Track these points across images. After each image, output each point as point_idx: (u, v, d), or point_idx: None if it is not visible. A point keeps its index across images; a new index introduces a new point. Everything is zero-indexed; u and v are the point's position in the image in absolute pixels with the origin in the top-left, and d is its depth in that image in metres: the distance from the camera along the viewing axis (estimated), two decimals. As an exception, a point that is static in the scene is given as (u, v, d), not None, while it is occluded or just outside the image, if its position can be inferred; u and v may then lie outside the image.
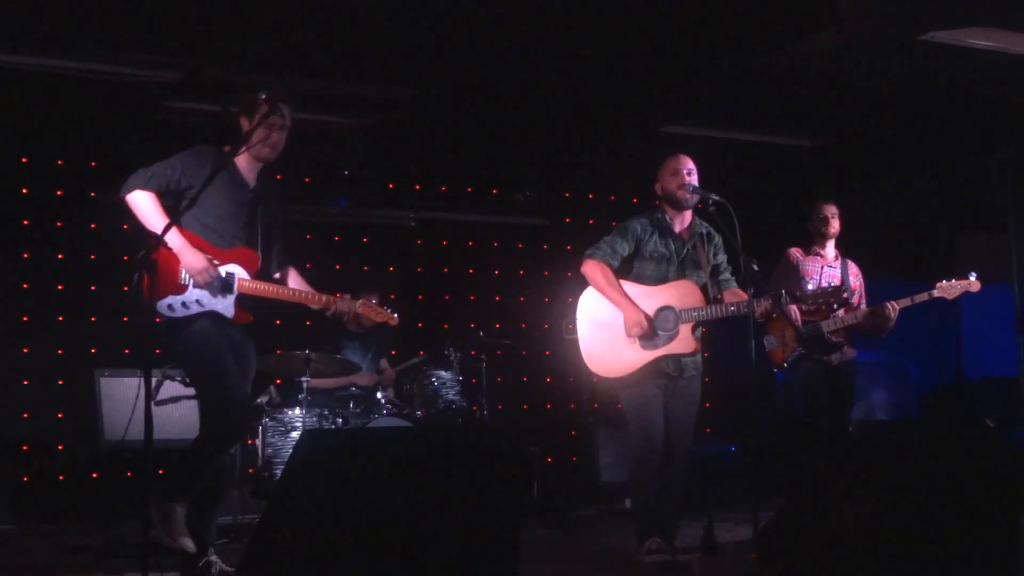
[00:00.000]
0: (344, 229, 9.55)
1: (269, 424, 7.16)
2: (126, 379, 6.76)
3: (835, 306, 6.84)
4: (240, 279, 5.15)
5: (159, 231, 4.93)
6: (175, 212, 5.06)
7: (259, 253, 5.26)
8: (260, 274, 5.24)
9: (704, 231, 6.14)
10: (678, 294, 5.95)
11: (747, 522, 5.95)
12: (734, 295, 6.02)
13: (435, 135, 9.03)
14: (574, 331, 6.13)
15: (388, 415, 7.28)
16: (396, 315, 5.61)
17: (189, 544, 5.02)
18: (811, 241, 7.20)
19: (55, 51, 7.00)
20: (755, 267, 5.73)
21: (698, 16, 6.69)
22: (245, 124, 5.21)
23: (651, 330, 5.90)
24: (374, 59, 7.29)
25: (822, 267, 7.12)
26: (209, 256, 5.08)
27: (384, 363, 8.02)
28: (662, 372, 5.96)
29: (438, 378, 7.69)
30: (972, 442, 4.45)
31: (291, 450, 6.91)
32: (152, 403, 4.81)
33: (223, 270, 5.11)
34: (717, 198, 5.84)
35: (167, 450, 6.52)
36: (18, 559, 6.62)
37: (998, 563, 4.12)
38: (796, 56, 7.24)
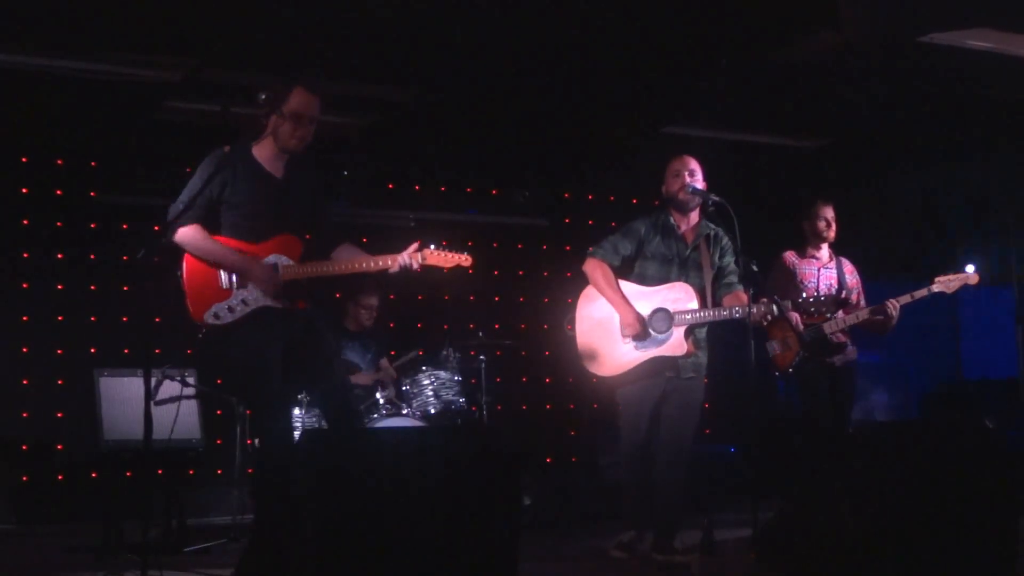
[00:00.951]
0: (343, 229, 9.54)
1: (268, 424, 7.15)
2: (125, 379, 6.75)
3: (836, 309, 6.86)
4: (284, 266, 5.08)
5: (218, 259, 4.97)
6: (214, 224, 5.04)
7: (299, 238, 5.18)
8: (304, 258, 5.17)
9: (711, 232, 6.14)
10: (673, 296, 5.97)
11: (746, 523, 5.96)
12: (735, 299, 5.99)
13: (435, 135, 9.03)
14: (573, 326, 6.15)
15: (387, 415, 7.27)
16: (468, 257, 5.42)
17: None
18: (806, 242, 7.19)
19: (55, 51, 7.00)
20: (754, 268, 5.73)
21: (698, 17, 6.70)
22: (273, 116, 5.15)
23: (644, 332, 5.91)
24: (374, 59, 7.30)
25: (818, 269, 7.12)
26: (253, 254, 5.04)
27: (384, 363, 8.02)
28: (657, 373, 5.98)
29: (437, 378, 7.69)
30: (971, 443, 4.45)
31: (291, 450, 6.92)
32: (152, 403, 4.82)
33: (265, 262, 5.05)
34: (717, 199, 5.86)
35: (166, 450, 6.53)
36: (17, 559, 6.62)
37: (997, 564, 4.12)
38: (796, 57, 7.25)
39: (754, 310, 5.70)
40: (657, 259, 6.04)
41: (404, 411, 7.38)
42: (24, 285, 8.50)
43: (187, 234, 5.02)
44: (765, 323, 5.83)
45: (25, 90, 7.62)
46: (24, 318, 8.48)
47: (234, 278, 5.01)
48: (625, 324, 5.93)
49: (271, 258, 5.07)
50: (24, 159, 8.57)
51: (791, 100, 8.30)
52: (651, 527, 6.05)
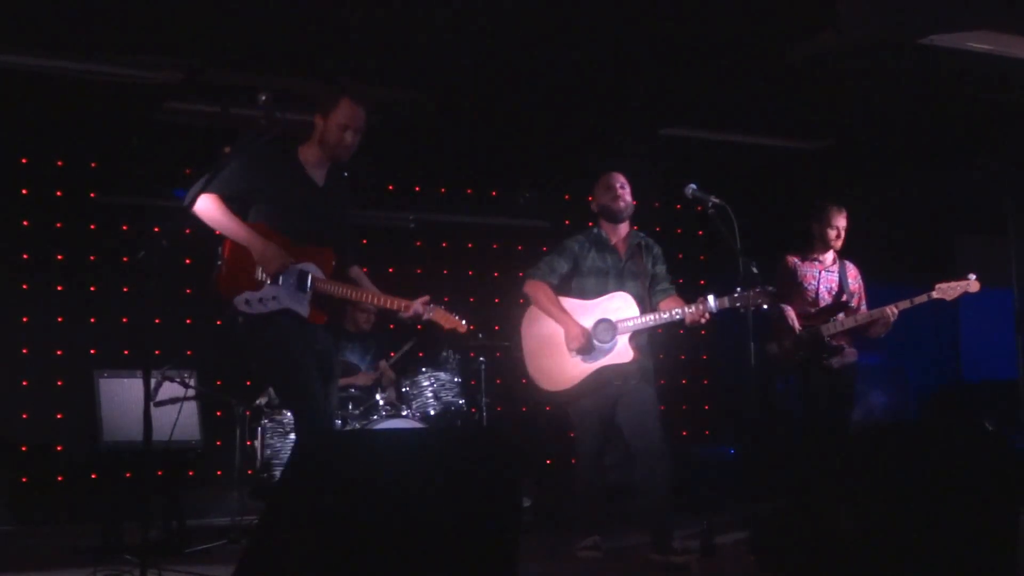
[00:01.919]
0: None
1: (268, 425, 7.16)
2: (125, 380, 6.75)
3: (837, 312, 6.89)
4: (315, 278, 5.11)
5: (234, 233, 4.99)
6: (242, 216, 5.09)
7: (333, 252, 5.24)
8: (336, 274, 5.22)
9: (642, 242, 6.32)
10: (614, 306, 6.19)
11: (745, 524, 5.97)
12: (672, 303, 6.25)
13: (435, 137, 9.03)
14: (519, 350, 6.41)
15: (387, 416, 7.27)
16: (465, 323, 5.54)
17: None
18: (811, 245, 7.18)
19: (55, 52, 7.00)
20: (754, 270, 5.74)
21: (698, 19, 6.70)
22: (319, 122, 5.19)
23: (589, 344, 6.09)
24: (374, 61, 7.30)
25: (820, 272, 7.12)
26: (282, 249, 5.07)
27: (383, 364, 8.02)
28: (605, 384, 6.17)
29: (437, 380, 7.70)
30: (971, 445, 4.45)
31: (290, 452, 6.92)
32: (151, 404, 4.82)
33: (298, 268, 5.07)
34: (717, 200, 5.89)
35: (166, 451, 6.54)
36: (17, 560, 6.62)
37: (997, 566, 4.12)
38: (796, 59, 7.25)
39: (690, 310, 5.85)
40: (594, 273, 6.27)
41: (404, 412, 7.38)
42: (24, 286, 8.50)
43: (207, 203, 5.04)
44: (704, 320, 5.94)
45: (25, 91, 7.62)
46: (24, 319, 8.49)
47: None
48: (571, 337, 6.13)
49: (304, 265, 5.11)
50: (24, 160, 8.57)
51: (791, 102, 8.30)
52: (647, 529, 6.13)
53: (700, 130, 8.90)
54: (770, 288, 5.99)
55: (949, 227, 10.92)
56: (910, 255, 10.35)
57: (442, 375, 7.72)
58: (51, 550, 6.80)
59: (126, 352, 8.27)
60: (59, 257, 8.61)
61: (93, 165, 8.72)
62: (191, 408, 6.75)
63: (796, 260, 7.16)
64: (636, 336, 6.12)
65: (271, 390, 7.21)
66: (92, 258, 8.65)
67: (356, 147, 5.23)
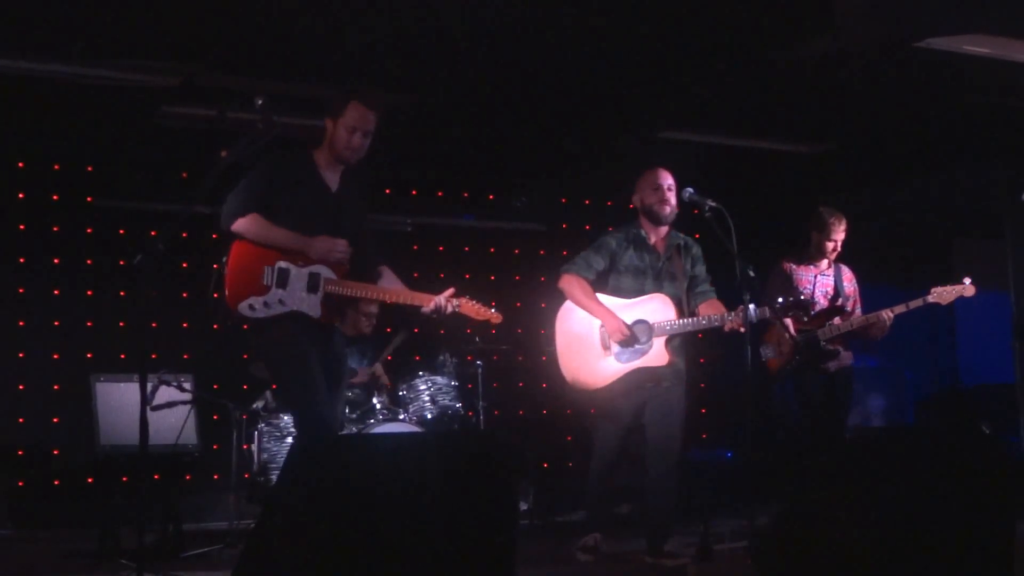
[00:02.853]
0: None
1: (265, 429, 7.15)
2: (122, 384, 6.75)
3: (830, 317, 6.89)
4: (326, 278, 5.12)
5: (277, 241, 5.05)
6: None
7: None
8: (349, 275, 5.22)
9: (681, 243, 6.21)
10: (651, 308, 6.06)
11: (743, 529, 5.96)
12: (711, 307, 6.09)
13: (432, 140, 9.03)
14: (552, 345, 6.20)
15: (384, 420, 7.27)
16: (498, 314, 5.53)
17: None
18: (807, 250, 7.17)
19: (52, 56, 6.99)
20: (751, 273, 5.74)
21: (694, 21, 6.70)
22: (329, 125, 5.23)
23: (632, 336, 5.94)
24: (371, 64, 7.29)
25: (815, 276, 7.13)
26: (300, 252, 5.09)
27: (379, 368, 8.01)
28: (637, 385, 6.04)
29: (434, 384, 7.69)
30: (968, 449, 4.45)
31: (286, 455, 6.92)
32: (148, 408, 4.82)
33: (308, 270, 5.09)
34: (713, 204, 5.87)
35: (163, 455, 6.53)
36: (14, 564, 6.61)
37: (994, 570, 4.12)
38: (792, 62, 7.25)
39: (731, 317, 5.77)
40: (631, 272, 6.12)
41: (400, 416, 7.37)
42: (21, 290, 8.50)
43: (247, 222, 5.07)
44: (743, 329, 5.86)
45: (22, 95, 7.61)
46: (21, 323, 8.49)
47: (275, 278, 5.05)
48: (613, 331, 5.99)
49: (315, 267, 5.12)
50: (21, 164, 8.57)
51: (788, 105, 8.30)
52: (644, 532, 6.12)
53: (697, 133, 8.90)
54: (805, 298, 6.02)
55: (946, 230, 10.94)
56: (907, 258, 10.37)
57: (439, 379, 7.72)
58: (48, 554, 6.80)
59: (123, 356, 8.25)
60: (56, 261, 8.61)
61: (90, 169, 8.72)
62: (188, 412, 6.74)
63: (791, 264, 7.16)
64: (672, 339, 6.04)
65: (268, 394, 7.21)
66: (89, 262, 8.65)
67: (365, 150, 5.27)
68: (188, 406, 6.71)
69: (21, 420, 8.34)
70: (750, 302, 5.77)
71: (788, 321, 6.91)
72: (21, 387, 8.41)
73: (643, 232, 6.18)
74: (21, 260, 8.51)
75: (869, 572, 3.92)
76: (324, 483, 3.49)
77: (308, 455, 3.69)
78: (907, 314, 6.83)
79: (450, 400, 7.69)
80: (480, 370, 8.13)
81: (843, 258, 7.26)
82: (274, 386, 7.16)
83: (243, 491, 7.19)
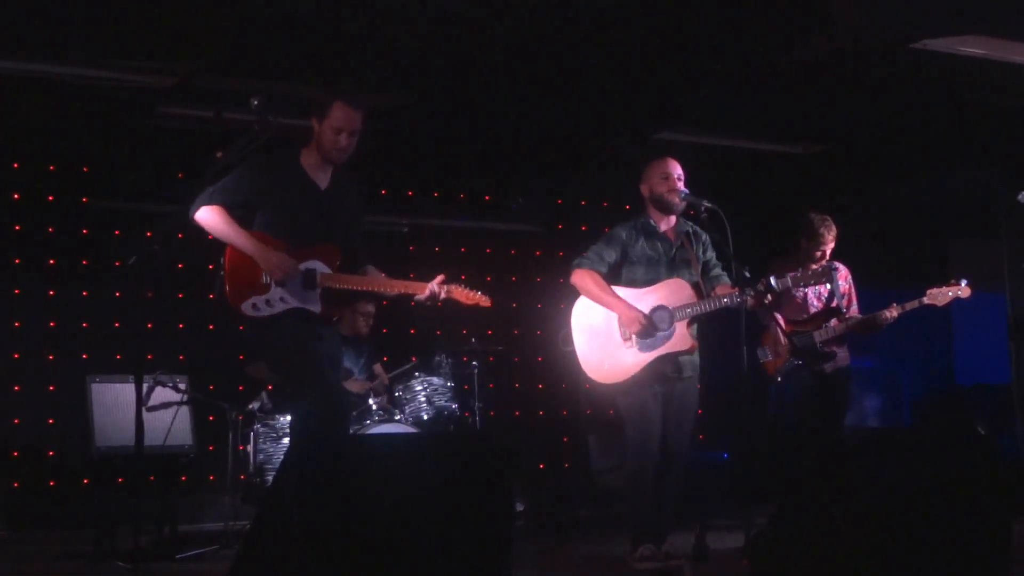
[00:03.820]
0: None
1: (261, 430, 7.14)
2: (117, 385, 6.74)
3: (828, 318, 6.89)
4: (322, 274, 5.14)
5: (235, 242, 5.02)
6: (248, 222, 5.13)
7: (339, 247, 5.26)
8: (343, 269, 5.24)
9: (690, 230, 6.16)
10: (669, 293, 5.96)
11: (738, 529, 5.96)
12: (726, 289, 5.99)
13: (428, 141, 9.03)
14: (570, 342, 6.11)
15: (380, 421, 7.26)
16: (488, 297, 5.56)
17: None
18: (795, 256, 7.16)
19: (48, 56, 6.99)
20: (747, 274, 5.74)
21: (691, 23, 6.70)
22: (315, 125, 5.23)
23: (650, 326, 5.88)
24: (367, 65, 7.29)
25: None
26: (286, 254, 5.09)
27: (378, 368, 8.01)
28: (660, 375, 5.95)
29: (430, 384, 7.68)
30: (964, 449, 4.46)
31: (283, 456, 6.91)
32: (143, 409, 4.81)
33: (303, 266, 5.11)
34: (709, 205, 5.85)
35: (158, 456, 6.52)
36: (8, 566, 6.60)
37: (990, 570, 4.12)
38: (789, 63, 7.26)
39: (751, 293, 5.71)
40: (644, 262, 6.03)
41: (397, 417, 7.37)
42: (16, 291, 8.48)
43: (208, 213, 5.10)
44: (763, 305, 5.80)
45: (17, 95, 7.61)
46: (16, 323, 8.47)
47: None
48: (628, 322, 5.89)
49: (310, 263, 5.14)
50: (16, 164, 8.55)
51: (784, 106, 8.31)
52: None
53: (693, 135, 8.90)
54: (831, 264, 5.99)
55: (942, 231, 10.93)
56: (903, 259, 10.36)
57: (435, 380, 7.71)
58: (43, 556, 6.79)
59: (118, 357, 8.23)
60: (51, 262, 8.59)
61: (85, 169, 8.70)
62: (183, 413, 6.74)
63: (785, 266, 7.15)
64: (691, 323, 5.97)
65: (264, 395, 7.20)
66: (84, 263, 8.64)
67: (351, 150, 5.26)
68: (184, 407, 6.70)
69: (17, 421, 8.33)
70: (743, 301, 5.75)
71: (779, 318, 6.90)
72: (17, 388, 8.39)
73: (652, 222, 6.11)
74: (16, 261, 8.49)
75: (865, 572, 3.92)
76: (320, 484, 3.49)
77: (304, 456, 3.69)
78: (903, 315, 6.83)
79: (446, 401, 7.68)
80: (476, 371, 8.13)
81: (839, 257, 7.26)
82: (270, 387, 7.18)
83: (239, 492, 7.18)
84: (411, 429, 7.29)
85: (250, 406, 7.18)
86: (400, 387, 7.70)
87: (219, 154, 5.19)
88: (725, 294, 5.88)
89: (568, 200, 10.46)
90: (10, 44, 6.82)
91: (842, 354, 7.06)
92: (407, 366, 8.05)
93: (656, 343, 5.92)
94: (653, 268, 6.03)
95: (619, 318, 5.94)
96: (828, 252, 7.07)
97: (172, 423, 6.36)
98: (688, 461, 6.05)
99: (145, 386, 6.14)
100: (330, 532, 3.43)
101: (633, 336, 5.91)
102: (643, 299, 5.96)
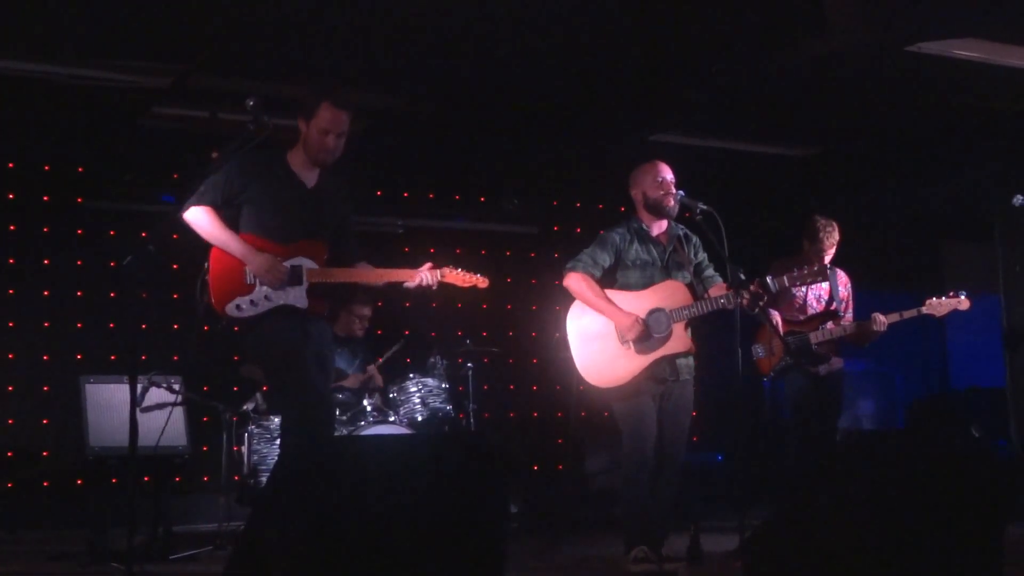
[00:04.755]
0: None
1: (255, 431, 7.14)
2: (112, 386, 6.73)
3: (825, 321, 6.90)
4: (308, 268, 5.14)
5: (224, 244, 5.03)
6: (235, 222, 5.13)
7: (326, 244, 5.26)
8: (330, 265, 5.24)
9: (681, 232, 6.17)
10: (665, 295, 5.95)
11: (733, 531, 5.96)
12: (721, 290, 6.00)
13: (423, 142, 9.03)
14: (566, 347, 6.09)
15: (374, 422, 7.26)
16: (484, 278, 5.60)
17: None
18: (798, 257, 7.16)
19: (42, 56, 6.98)
20: (742, 276, 5.73)
21: (686, 25, 6.71)
22: (302, 126, 5.22)
23: (645, 331, 5.88)
24: (362, 66, 7.30)
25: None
26: (276, 254, 5.09)
27: (372, 369, 8.00)
28: (658, 378, 5.95)
29: (424, 386, 7.68)
30: (958, 452, 4.46)
31: (276, 457, 6.90)
32: (137, 410, 4.80)
33: (289, 263, 5.10)
34: (705, 207, 5.84)
35: (152, 457, 6.51)
36: (2, 566, 6.59)
37: (983, 573, 4.13)
38: (784, 66, 7.26)
39: (744, 296, 5.70)
40: (638, 265, 6.02)
41: (391, 418, 7.37)
42: (11, 291, 8.48)
43: (197, 214, 5.10)
44: (757, 309, 5.81)
45: (12, 95, 7.60)
46: (10, 324, 8.47)
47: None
48: (625, 328, 5.87)
49: (296, 260, 5.14)
50: (11, 164, 8.55)
51: (779, 109, 8.32)
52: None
53: (688, 136, 8.91)
54: (825, 265, 6.01)
55: (936, 234, 10.96)
56: (897, 262, 10.39)
57: (429, 381, 7.71)
58: (37, 556, 6.77)
59: (113, 357, 8.25)
60: (46, 262, 8.60)
61: (80, 170, 8.70)
62: (178, 414, 6.72)
63: (783, 268, 7.15)
64: (688, 325, 5.95)
65: (258, 396, 7.20)
66: (79, 263, 8.64)
67: (340, 150, 5.24)
68: (178, 408, 6.69)
69: (11, 421, 8.33)
70: (740, 300, 5.75)
71: (777, 319, 6.91)
72: (11, 388, 8.39)
73: (644, 225, 6.11)
74: (11, 261, 8.50)
75: (859, 574, 3.92)
76: (314, 485, 3.49)
77: (298, 457, 3.69)
78: (899, 322, 6.85)
79: (440, 402, 7.68)
80: (470, 372, 8.13)
81: (835, 261, 7.27)
82: (264, 388, 7.17)
83: (233, 493, 7.18)
84: (405, 430, 7.29)
85: (244, 407, 7.18)
86: (394, 388, 7.69)
87: (214, 155, 5.18)
88: (720, 295, 5.88)
89: (563, 202, 10.46)
90: (4, 44, 6.82)
91: (835, 357, 7.07)
92: (395, 347, 8.03)
93: (654, 345, 5.91)
94: (648, 271, 6.03)
95: (616, 325, 5.93)
96: (829, 257, 7.08)
97: (166, 424, 6.35)
98: (683, 463, 6.05)
99: (139, 387, 6.12)
100: (324, 533, 3.43)
101: (631, 340, 5.91)
102: (639, 302, 5.95)
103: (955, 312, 6.94)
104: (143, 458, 6.33)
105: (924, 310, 6.78)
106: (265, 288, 5.06)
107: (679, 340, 5.91)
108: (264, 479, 6.94)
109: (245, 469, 7.13)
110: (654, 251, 6.06)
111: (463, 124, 8.59)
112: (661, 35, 6.86)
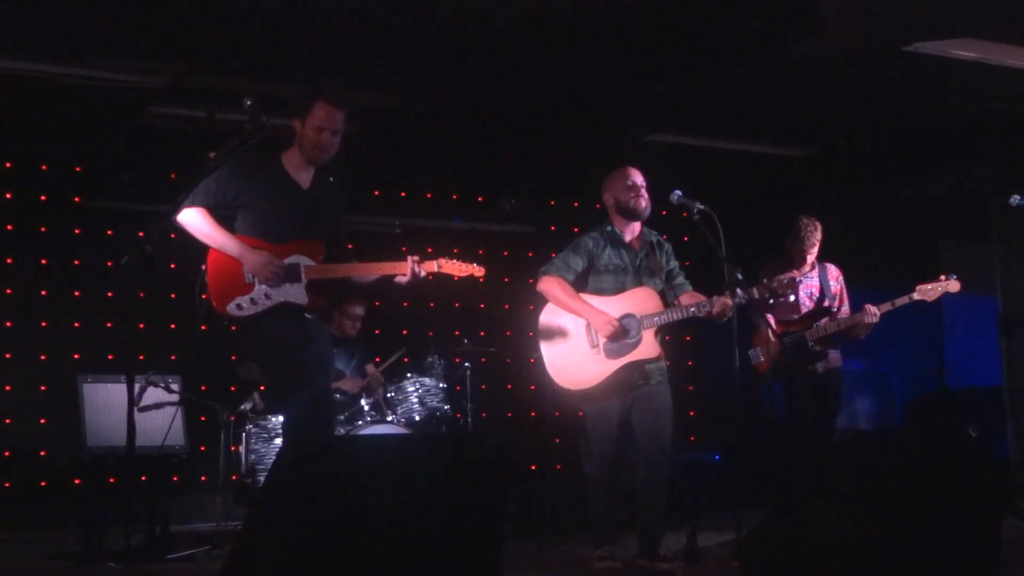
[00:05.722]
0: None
1: (253, 431, 7.15)
2: (109, 385, 6.73)
3: (815, 319, 6.91)
4: (306, 265, 5.16)
5: (219, 244, 5.05)
6: (230, 222, 5.15)
7: (322, 243, 5.28)
8: (326, 262, 5.26)
9: (654, 239, 6.22)
10: (636, 301, 6.01)
11: (730, 530, 5.97)
12: (692, 297, 6.08)
13: (421, 142, 9.03)
14: (537, 349, 6.15)
15: (372, 422, 7.26)
16: (481, 267, 5.60)
17: None
18: (788, 257, 7.17)
19: (40, 55, 6.98)
20: (739, 276, 5.74)
21: (683, 25, 6.71)
22: (297, 126, 5.24)
23: (621, 329, 5.91)
24: (360, 66, 7.29)
25: (798, 279, 7.13)
26: (273, 253, 5.11)
27: (371, 368, 8.00)
28: (628, 383, 5.98)
29: (422, 385, 7.68)
30: (954, 451, 4.47)
31: (274, 457, 6.91)
32: (135, 409, 4.80)
33: (286, 261, 5.13)
34: (702, 207, 5.86)
35: (149, 456, 6.51)
36: (-1, 565, 6.60)
37: (979, 571, 4.13)
38: (781, 66, 7.27)
39: (715, 305, 5.76)
40: (611, 271, 6.09)
41: (389, 418, 7.37)
42: (8, 290, 8.48)
43: (191, 215, 5.11)
44: (726, 319, 5.84)
45: (9, 95, 7.60)
46: (8, 323, 8.47)
47: None
48: (601, 326, 5.92)
49: (293, 258, 5.16)
50: (8, 164, 8.55)
51: (775, 108, 8.32)
52: (636, 533, 6.07)
53: (685, 136, 8.91)
54: (794, 276, 5.99)
55: (933, 233, 10.96)
56: (894, 261, 10.38)
57: (427, 381, 7.71)
58: (34, 556, 6.78)
59: (110, 357, 8.24)
60: (43, 261, 8.59)
61: (78, 169, 8.70)
62: (175, 413, 6.72)
63: (776, 270, 7.16)
64: (660, 331, 5.99)
65: (256, 395, 7.20)
66: (76, 263, 8.64)
67: (335, 148, 5.26)
68: (175, 407, 6.69)
69: (8, 421, 8.33)
70: (738, 301, 5.77)
71: (770, 318, 6.92)
72: (8, 388, 8.39)
73: (618, 230, 6.17)
74: (9, 261, 8.49)
75: (856, 573, 3.93)
76: (312, 485, 3.49)
77: (296, 456, 3.69)
78: (895, 315, 6.84)
79: (438, 402, 7.69)
80: (468, 372, 8.13)
81: (830, 259, 7.27)
82: (262, 387, 7.17)
83: (230, 493, 7.18)
84: (403, 430, 7.29)
85: (242, 406, 7.18)
86: (392, 388, 7.70)
87: (212, 154, 5.18)
88: (691, 303, 5.95)
89: (561, 201, 10.47)
90: (1, 43, 6.81)
91: (834, 355, 7.08)
92: (396, 355, 8.04)
93: (623, 350, 5.96)
94: (620, 277, 6.09)
95: (590, 323, 5.98)
96: (813, 255, 7.09)
97: (164, 423, 6.35)
98: (671, 462, 6.07)
99: (137, 386, 6.13)
100: (322, 533, 3.43)
101: (601, 343, 5.96)
102: (611, 307, 6.02)
103: (951, 306, 6.95)
104: (140, 458, 6.34)
105: (915, 296, 6.77)
106: (264, 287, 5.07)
107: (648, 346, 5.95)
108: (261, 479, 6.94)
109: (243, 469, 7.13)
110: (626, 256, 6.12)
111: (460, 124, 8.58)
112: (658, 35, 6.86)
